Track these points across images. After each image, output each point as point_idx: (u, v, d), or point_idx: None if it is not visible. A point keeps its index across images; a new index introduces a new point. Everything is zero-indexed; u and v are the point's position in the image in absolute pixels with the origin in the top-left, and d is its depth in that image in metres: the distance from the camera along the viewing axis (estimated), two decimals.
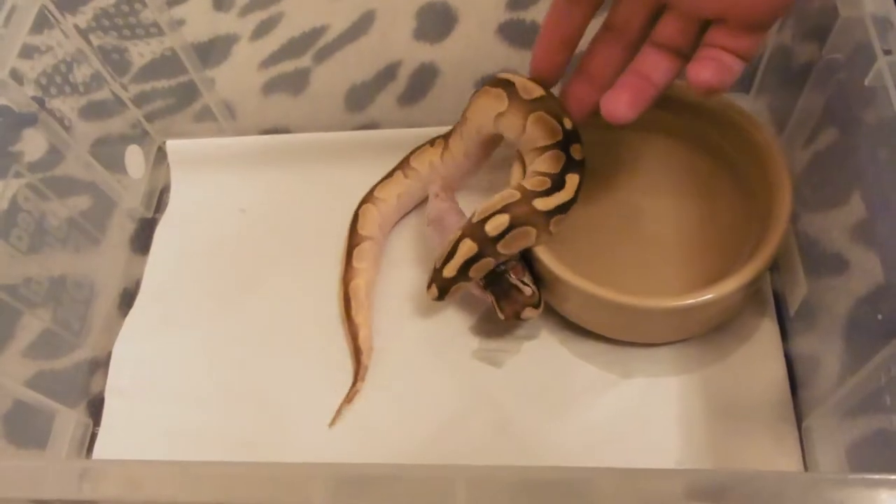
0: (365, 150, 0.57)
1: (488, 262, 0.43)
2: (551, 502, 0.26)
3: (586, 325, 0.46)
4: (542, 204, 0.42)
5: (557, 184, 0.42)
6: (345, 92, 0.59)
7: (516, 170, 0.47)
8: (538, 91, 0.43)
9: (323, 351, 0.49)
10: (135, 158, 0.58)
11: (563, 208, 0.42)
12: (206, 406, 0.48)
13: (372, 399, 0.47)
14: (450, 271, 0.43)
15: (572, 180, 0.42)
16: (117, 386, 0.50)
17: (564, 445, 0.44)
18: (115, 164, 0.57)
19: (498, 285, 0.44)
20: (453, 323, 0.49)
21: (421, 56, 0.56)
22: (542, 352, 0.47)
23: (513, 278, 0.44)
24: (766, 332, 0.46)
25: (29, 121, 0.50)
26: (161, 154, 0.60)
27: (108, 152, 0.57)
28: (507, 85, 0.44)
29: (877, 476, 0.24)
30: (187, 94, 0.58)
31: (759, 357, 0.45)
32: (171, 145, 0.59)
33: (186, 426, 0.47)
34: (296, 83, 0.58)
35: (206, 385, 0.49)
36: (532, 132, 0.44)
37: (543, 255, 0.43)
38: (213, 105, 0.59)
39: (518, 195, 0.42)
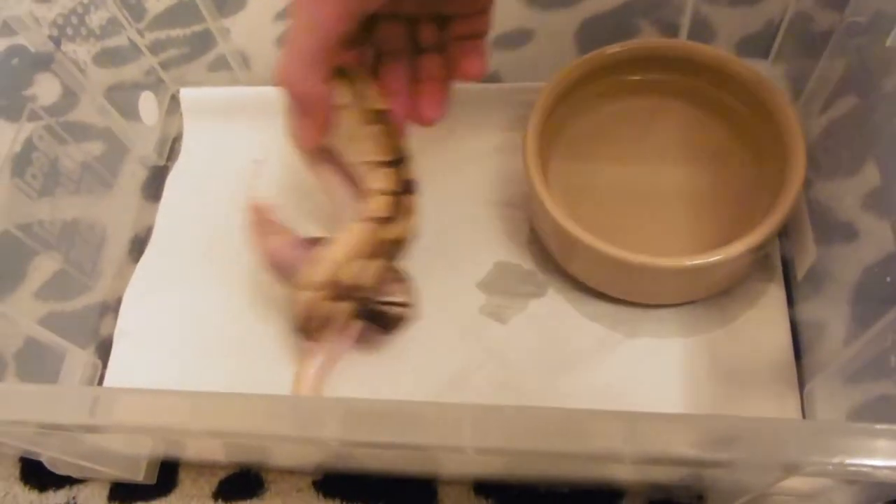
0: None
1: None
2: (553, 441, 0.26)
3: (594, 284, 0.47)
4: (389, 232, 0.41)
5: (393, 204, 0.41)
6: None
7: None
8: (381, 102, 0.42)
9: None
10: (148, 105, 0.58)
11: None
12: (212, 354, 0.48)
13: (376, 353, 0.47)
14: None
15: (410, 200, 0.42)
16: (126, 329, 0.51)
17: (568, 402, 0.44)
18: (129, 111, 0.57)
19: (365, 313, 0.43)
20: (460, 278, 0.49)
21: None
22: (548, 310, 0.47)
23: (376, 302, 0.42)
24: (773, 296, 0.46)
25: (44, 62, 0.50)
26: (175, 102, 0.60)
27: (122, 98, 0.57)
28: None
29: (879, 426, 0.24)
30: (203, 42, 0.58)
31: (765, 321, 0.45)
32: (185, 93, 0.59)
33: (191, 373, 0.48)
34: None
35: (213, 334, 0.49)
36: (365, 146, 0.42)
37: (554, 211, 0.43)
38: (229, 54, 0.58)
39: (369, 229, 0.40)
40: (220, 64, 0.59)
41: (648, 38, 0.53)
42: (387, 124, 0.42)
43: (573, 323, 0.47)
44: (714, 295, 0.46)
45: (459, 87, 0.56)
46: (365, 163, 0.42)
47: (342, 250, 0.40)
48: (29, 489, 0.47)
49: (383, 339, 0.46)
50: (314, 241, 0.43)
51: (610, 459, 0.25)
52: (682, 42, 0.50)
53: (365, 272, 0.40)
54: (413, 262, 0.50)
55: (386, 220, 0.40)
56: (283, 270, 0.43)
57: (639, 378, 0.44)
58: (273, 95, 0.59)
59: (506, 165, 0.53)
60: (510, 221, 0.51)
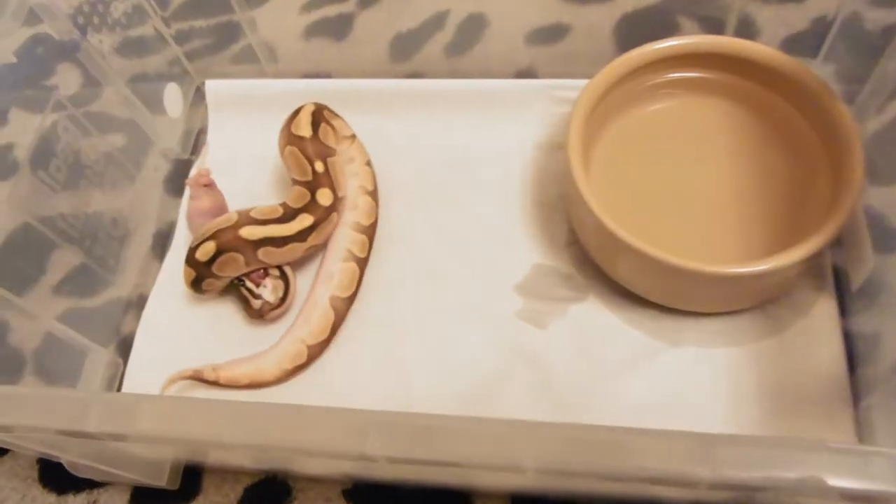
0: (409, 100, 0.55)
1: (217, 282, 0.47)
2: (614, 462, 0.25)
3: (636, 289, 0.45)
4: (248, 232, 0.45)
5: (287, 217, 0.46)
6: (390, 39, 0.57)
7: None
8: (306, 131, 0.47)
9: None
10: (173, 97, 0.57)
11: (275, 241, 0.45)
12: (235, 356, 0.47)
13: (412, 352, 0.45)
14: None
15: (303, 220, 0.45)
16: (149, 328, 0.49)
17: (607, 412, 0.42)
18: (153, 103, 0.55)
19: (237, 292, 0.47)
20: (497, 280, 0.47)
21: (470, 6, 0.54)
22: (588, 315, 0.45)
23: (245, 287, 0.47)
24: (824, 307, 0.44)
25: (69, 51, 0.49)
26: (199, 94, 0.59)
27: (147, 90, 0.55)
28: (294, 114, 0.49)
29: None
30: (229, 33, 0.56)
31: (815, 333, 0.43)
32: (211, 85, 0.57)
33: None
34: (339, 28, 0.56)
35: (236, 335, 0.48)
36: (287, 163, 0.48)
37: (599, 212, 0.41)
38: (255, 46, 0.57)
39: (234, 220, 0.45)
40: (246, 56, 0.58)
41: (695, 35, 0.51)
42: (302, 149, 0.47)
43: (614, 330, 0.45)
44: (762, 304, 0.44)
45: (492, 81, 0.54)
46: (289, 179, 0.48)
47: (208, 226, 0.46)
48: (48, 491, 0.46)
49: (543, 282, 0.47)
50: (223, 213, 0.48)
51: (685, 485, 0.23)
52: (732, 39, 0.48)
53: (222, 262, 0.46)
54: (447, 263, 0.48)
55: (256, 221, 0.46)
56: (192, 229, 0.50)
57: (682, 390, 0.43)
58: (299, 88, 0.58)
59: (542, 164, 0.51)
60: (548, 222, 0.49)
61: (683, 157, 0.48)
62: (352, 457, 0.25)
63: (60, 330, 0.46)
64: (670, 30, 0.54)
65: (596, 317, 0.45)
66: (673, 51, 0.47)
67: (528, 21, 0.56)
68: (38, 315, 0.45)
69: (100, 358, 0.48)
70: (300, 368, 0.45)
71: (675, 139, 0.48)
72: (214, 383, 0.45)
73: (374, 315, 0.47)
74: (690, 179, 0.47)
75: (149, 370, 0.47)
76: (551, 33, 0.55)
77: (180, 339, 0.48)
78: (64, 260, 0.47)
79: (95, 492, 0.45)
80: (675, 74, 0.49)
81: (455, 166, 0.52)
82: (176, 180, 0.56)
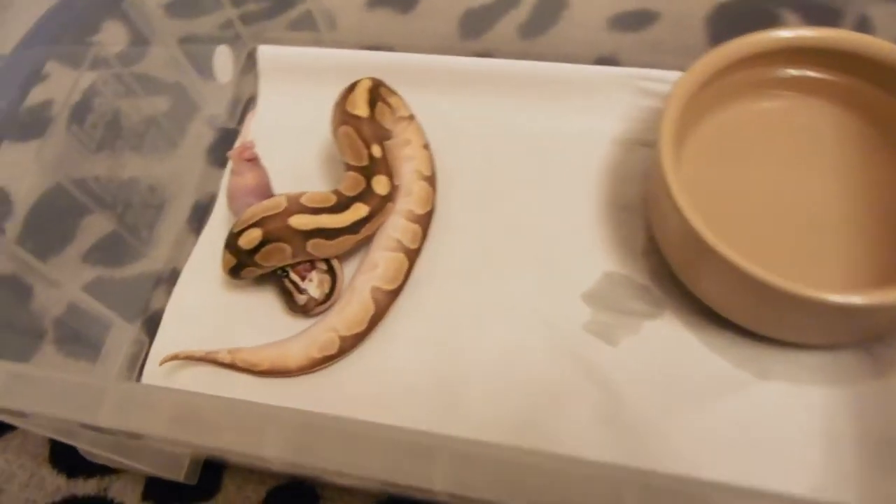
0: (477, 80, 0.50)
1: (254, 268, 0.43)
2: None
3: (720, 308, 0.40)
4: (299, 222, 0.41)
5: (340, 206, 0.41)
6: (459, 15, 0.52)
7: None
8: (363, 109, 0.43)
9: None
10: (223, 61, 0.53)
11: (326, 233, 0.41)
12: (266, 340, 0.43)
13: (464, 356, 0.41)
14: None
15: (357, 211, 0.41)
16: (179, 306, 0.46)
17: (681, 446, 0.37)
18: (202, 66, 0.52)
19: (282, 286, 0.43)
20: (564, 285, 0.42)
21: None
22: (664, 334, 0.40)
23: (290, 280, 0.43)
24: None
25: (114, 6, 0.45)
26: (251, 61, 0.55)
27: (196, 52, 0.51)
28: (349, 89, 0.44)
29: None
30: None
31: None
32: (264, 51, 0.53)
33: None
34: (403, 3, 0.52)
35: (271, 324, 0.44)
36: (340, 144, 0.43)
37: (688, 211, 0.36)
38: (315, 12, 0.53)
39: (283, 206, 0.41)
40: (304, 22, 0.54)
41: (803, 27, 0.45)
42: (358, 129, 0.43)
43: (693, 353, 0.40)
44: (866, 341, 0.39)
45: (570, 66, 0.49)
46: (342, 162, 0.44)
47: (252, 211, 0.42)
48: (57, 472, 0.42)
49: (614, 293, 0.42)
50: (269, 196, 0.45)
51: None
52: (846, 33, 0.42)
53: (267, 252, 0.41)
54: (508, 261, 0.43)
55: (308, 210, 0.41)
56: (232, 206, 0.46)
57: (769, 429, 0.37)
58: (358, 60, 0.54)
59: (621, 160, 0.46)
60: (623, 226, 0.44)
61: (784, 164, 0.42)
62: (413, 487, 0.21)
63: (85, 301, 0.42)
64: (770, 23, 0.48)
65: (672, 336, 0.40)
66: (779, 43, 0.42)
67: (612, 4, 0.51)
68: (63, 283, 0.41)
69: (124, 334, 0.44)
70: (329, 359, 0.41)
71: (775, 143, 0.43)
72: (230, 366, 0.42)
73: (422, 310, 0.43)
74: (791, 190, 0.42)
75: (175, 351, 0.44)
76: (637, 19, 0.51)
77: (211, 322, 0.45)
78: (95, 226, 0.43)
79: (107, 479, 0.42)
80: (781, 71, 0.43)
81: (523, 156, 0.47)
82: (219, 150, 0.52)
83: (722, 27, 0.49)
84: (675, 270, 0.41)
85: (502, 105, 0.49)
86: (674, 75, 0.44)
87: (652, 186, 0.41)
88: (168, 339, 0.45)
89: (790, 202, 0.41)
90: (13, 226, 0.39)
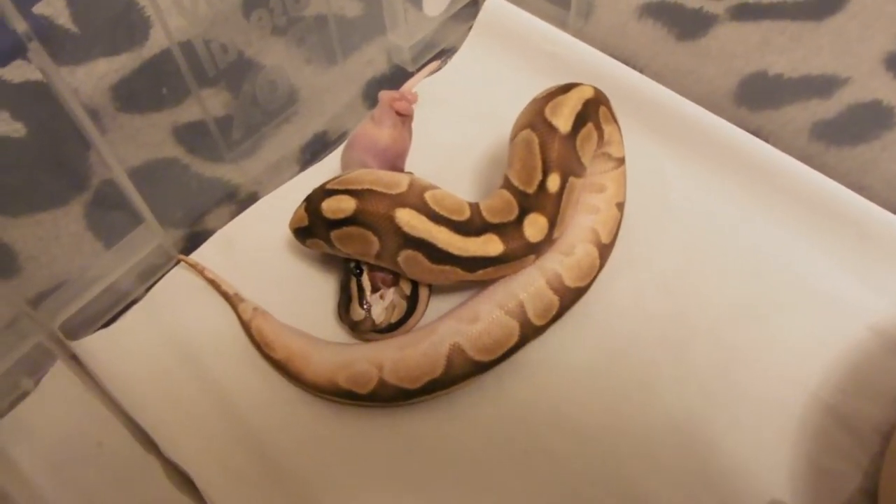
0: (738, 163, 0.36)
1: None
2: None
3: None
4: (407, 218, 0.29)
5: (470, 228, 0.30)
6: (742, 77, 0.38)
7: None
8: (565, 123, 0.31)
9: None
10: None
11: (432, 251, 0.29)
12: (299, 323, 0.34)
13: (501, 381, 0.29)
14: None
15: (487, 245, 0.30)
16: (237, 233, 0.37)
17: None
18: None
19: (346, 283, 0.33)
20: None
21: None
22: None
23: (358, 284, 0.32)
24: None
25: None
26: (471, 8, 0.43)
27: None
28: (561, 90, 0.32)
29: None
30: None
31: None
32: (492, 2, 0.42)
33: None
34: (689, 28, 0.39)
35: (313, 310, 0.34)
36: (513, 150, 0.32)
37: None
38: None
39: (401, 188, 0.30)
40: None
41: None
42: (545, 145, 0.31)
43: None
44: None
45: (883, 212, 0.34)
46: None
47: (359, 174, 0.31)
48: None
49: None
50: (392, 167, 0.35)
51: None
52: None
53: (346, 235, 0.31)
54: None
55: (431, 215, 0.30)
56: (344, 159, 0.37)
57: None
58: (596, 65, 0.39)
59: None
60: None
61: None
62: None
63: (126, 184, 0.33)
64: None
65: None
66: None
67: None
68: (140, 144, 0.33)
69: (164, 235, 0.35)
70: (352, 397, 0.31)
71: None
72: (243, 324, 0.34)
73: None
74: None
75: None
76: None
77: (255, 272, 0.35)
78: (206, 102, 0.34)
79: None
80: None
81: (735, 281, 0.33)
82: (381, 87, 0.41)
83: None
84: None
85: (751, 207, 0.35)
86: None
87: None
88: (206, 255, 0.36)
89: None
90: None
